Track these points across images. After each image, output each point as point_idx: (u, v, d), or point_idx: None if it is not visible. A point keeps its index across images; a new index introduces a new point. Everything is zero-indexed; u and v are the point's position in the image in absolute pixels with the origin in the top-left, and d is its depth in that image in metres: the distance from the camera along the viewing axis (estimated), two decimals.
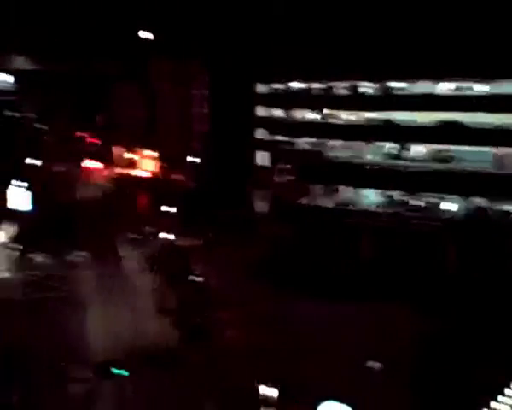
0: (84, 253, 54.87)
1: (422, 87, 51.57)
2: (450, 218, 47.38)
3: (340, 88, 56.09)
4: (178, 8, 78.88)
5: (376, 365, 32.59)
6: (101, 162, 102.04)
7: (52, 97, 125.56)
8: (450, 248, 44.52)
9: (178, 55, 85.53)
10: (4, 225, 52.06)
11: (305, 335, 36.51)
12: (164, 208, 56.78)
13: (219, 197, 63.35)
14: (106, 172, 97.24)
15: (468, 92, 49.25)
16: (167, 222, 55.02)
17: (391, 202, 49.92)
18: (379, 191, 51.41)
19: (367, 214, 49.06)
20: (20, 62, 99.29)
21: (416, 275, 43.26)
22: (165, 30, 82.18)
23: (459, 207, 47.95)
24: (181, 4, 78.11)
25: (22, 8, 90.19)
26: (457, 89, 50.07)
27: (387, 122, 52.59)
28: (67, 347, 35.05)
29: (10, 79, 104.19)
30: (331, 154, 55.14)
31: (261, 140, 62.89)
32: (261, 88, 61.96)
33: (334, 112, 57.71)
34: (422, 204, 49.10)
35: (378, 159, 53.00)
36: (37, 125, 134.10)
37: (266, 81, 59.56)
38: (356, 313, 39.54)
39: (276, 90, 59.25)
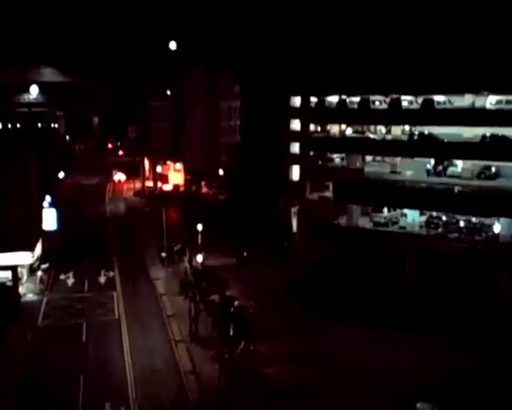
0: (112, 273, 53.73)
1: (466, 100, 48.99)
2: (497, 240, 44.45)
3: (379, 101, 53.66)
4: (210, 21, 77.84)
5: (426, 406, 30.24)
6: (132, 176, 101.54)
7: (84, 111, 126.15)
8: (501, 274, 41.69)
9: (210, 69, 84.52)
10: (35, 246, 50.79)
11: (346, 368, 34.34)
12: (195, 224, 54.91)
13: (252, 214, 61.52)
14: (136, 186, 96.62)
15: None
16: (199, 239, 53.19)
17: (434, 222, 47.09)
18: (421, 211, 48.67)
19: (409, 236, 46.43)
20: (52, 75, 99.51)
21: (464, 302, 40.64)
22: (198, 43, 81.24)
23: (507, 228, 45.03)
24: (213, 18, 77.06)
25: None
26: (504, 102, 47.29)
27: (429, 137, 49.91)
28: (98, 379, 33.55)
29: (42, 91, 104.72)
30: (369, 171, 52.63)
31: (295, 155, 60.83)
32: (295, 102, 59.85)
33: (373, 127, 55.49)
34: (468, 225, 46.23)
35: (419, 176, 50.35)
36: (68, 139, 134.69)
37: (301, 95, 57.26)
38: (398, 341, 37.27)
39: (311, 103, 56.91)
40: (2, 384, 32.38)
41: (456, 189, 45.74)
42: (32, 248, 48.83)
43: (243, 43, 71.90)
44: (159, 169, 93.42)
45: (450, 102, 50.87)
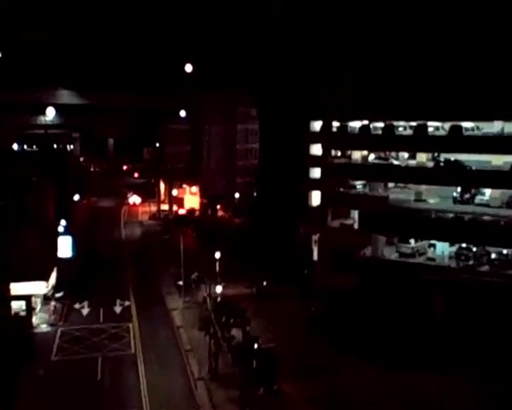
0: (128, 302, 52.17)
1: (495, 127, 47.35)
2: None
3: (403, 127, 52.14)
4: (227, 44, 77.17)
5: None
6: (147, 199, 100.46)
7: (99, 133, 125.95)
8: None
9: (227, 92, 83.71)
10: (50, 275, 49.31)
11: None
12: (212, 250, 53.27)
13: (271, 240, 59.87)
14: (151, 209, 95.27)
15: None
16: (217, 266, 51.46)
17: (464, 254, 45.15)
18: (450, 242, 46.76)
19: (438, 269, 44.52)
20: (68, 97, 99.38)
21: (495, 339, 38.58)
22: (215, 66, 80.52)
23: None
24: (230, 41, 76.39)
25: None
26: None
27: (456, 164, 48.22)
28: None
29: (58, 113, 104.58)
30: (393, 198, 50.93)
31: (315, 180, 59.30)
32: (315, 126, 58.48)
33: (397, 153, 53.91)
34: (500, 257, 44.25)
35: (445, 204, 48.63)
36: (83, 160, 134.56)
37: (323, 119, 55.84)
38: (430, 385, 35.22)
39: (332, 128, 55.49)
40: None
41: (487, 219, 43.96)
42: (47, 278, 47.42)
43: (262, 67, 70.94)
44: (174, 192, 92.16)
45: (478, 128, 49.37)
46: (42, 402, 33.62)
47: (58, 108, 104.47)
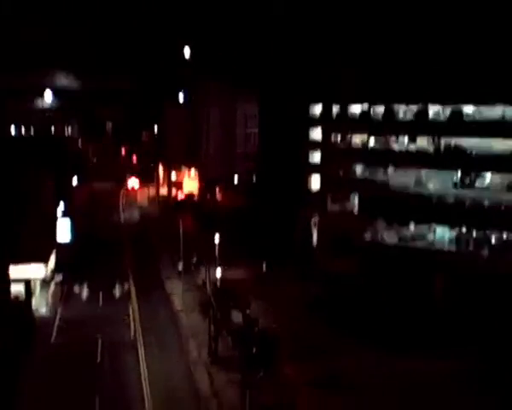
0: (127, 285, 52.16)
1: (496, 111, 47.13)
2: None
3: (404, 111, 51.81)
4: (227, 29, 76.65)
5: None
6: (146, 182, 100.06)
7: (97, 116, 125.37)
8: None
9: (227, 76, 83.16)
10: (49, 257, 49.20)
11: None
12: (211, 234, 53.11)
13: (270, 223, 59.86)
14: (150, 193, 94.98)
15: None
16: (216, 250, 51.36)
17: (464, 238, 45.17)
18: (451, 226, 46.73)
19: (438, 253, 44.52)
20: (66, 81, 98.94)
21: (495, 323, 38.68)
22: (215, 51, 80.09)
23: None
24: (230, 26, 75.86)
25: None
26: None
27: (457, 149, 48.07)
28: None
29: (57, 96, 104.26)
30: (394, 183, 50.77)
31: (315, 165, 59.20)
32: (315, 110, 58.21)
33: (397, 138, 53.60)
34: (500, 241, 44.25)
35: (445, 189, 48.51)
36: (81, 144, 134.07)
37: (323, 102, 55.55)
38: (430, 368, 35.28)
39: (333, 112, 55.21)
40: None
41: (487, 203, 43.95)
42: (46, 260, 47.30)
43: (262, 51, 70.43)
44: (173, 176, 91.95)
45: (479, 113, 49.08)
46: (42, 384, 33.60)
47: (56, 91, 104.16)
